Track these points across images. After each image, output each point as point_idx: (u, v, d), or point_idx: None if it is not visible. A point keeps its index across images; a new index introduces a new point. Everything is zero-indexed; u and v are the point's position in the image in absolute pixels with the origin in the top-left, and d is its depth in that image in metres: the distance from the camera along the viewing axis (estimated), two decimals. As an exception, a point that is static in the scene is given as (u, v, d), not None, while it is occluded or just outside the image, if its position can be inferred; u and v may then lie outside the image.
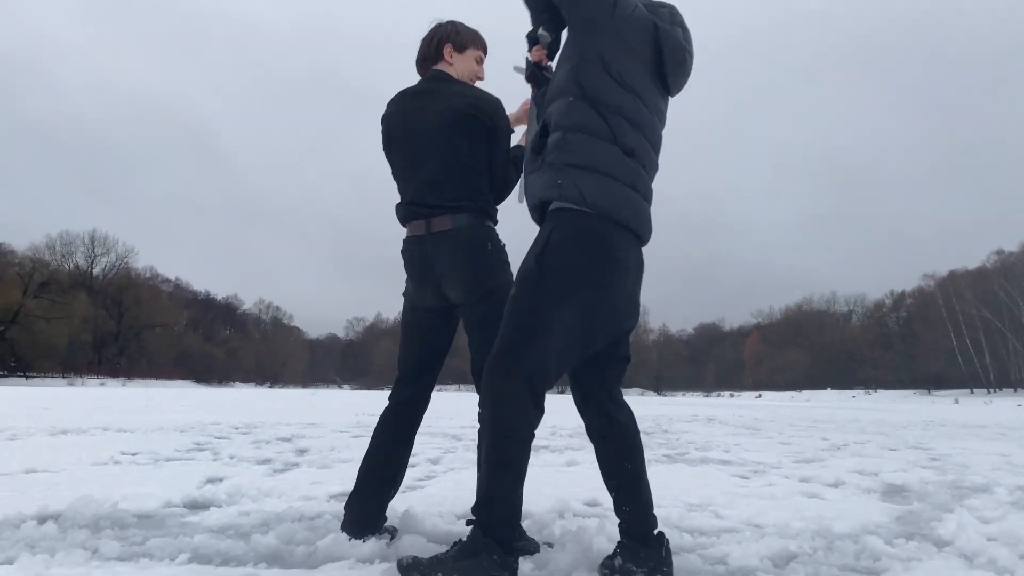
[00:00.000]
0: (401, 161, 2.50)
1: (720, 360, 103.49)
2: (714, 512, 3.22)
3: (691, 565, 2.28)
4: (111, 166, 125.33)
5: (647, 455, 5.87)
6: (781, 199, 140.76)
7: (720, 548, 2.48)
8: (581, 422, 2.25)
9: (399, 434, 2.51)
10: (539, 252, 2.00)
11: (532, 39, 2.42)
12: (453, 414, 12.14)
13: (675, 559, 2.16)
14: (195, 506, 3.14)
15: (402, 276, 2.58)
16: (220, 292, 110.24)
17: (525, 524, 2.41)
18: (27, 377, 62.58)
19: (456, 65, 2.55)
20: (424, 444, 6.17)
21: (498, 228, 2.53)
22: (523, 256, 2.10)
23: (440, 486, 3.84)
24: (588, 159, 2.01)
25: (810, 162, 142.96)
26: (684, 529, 2.78)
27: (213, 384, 77.00)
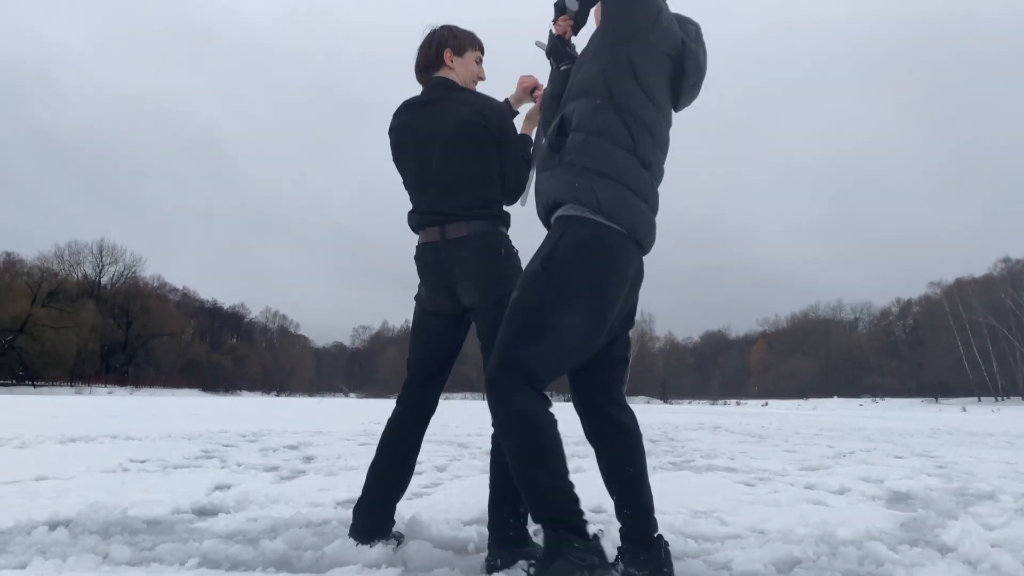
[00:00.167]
0: (412, 171, 2.53)
1: (726, 368, 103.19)
2: (718, 519, 3.23)
3: (695, 571, 2.29)
4: (119, 175, 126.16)
5: (653, 462, 5.87)
6: (786, 206, 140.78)
7: (724, 554, 2.50)
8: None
9: (407, 437, 2.54)
10: (545, 257, 2.01)
11: (560, 7, 2.42)
12: (460, 422, 12.15)
13: (679, 565, 2.18)
14: (204, 512, 3.17)
15: (410, 283, 2.62)
16: (227, 301, 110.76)
17: (530, 530, 2.43)
18: (35, 386, 62.85)
19: (457, 69, 2.57)
20: (431, 452, 6.19)
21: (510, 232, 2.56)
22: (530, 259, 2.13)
23: (446, 493, 3.86)
24: (608, 166, 2.02)
25: (816, 169, 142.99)
26: (688, 535, 2.80)
27: (220, 393, 77.22)
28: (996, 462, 6.46)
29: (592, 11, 2.44)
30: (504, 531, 2.27)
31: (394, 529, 2.53)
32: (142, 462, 5.06)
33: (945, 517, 3.41)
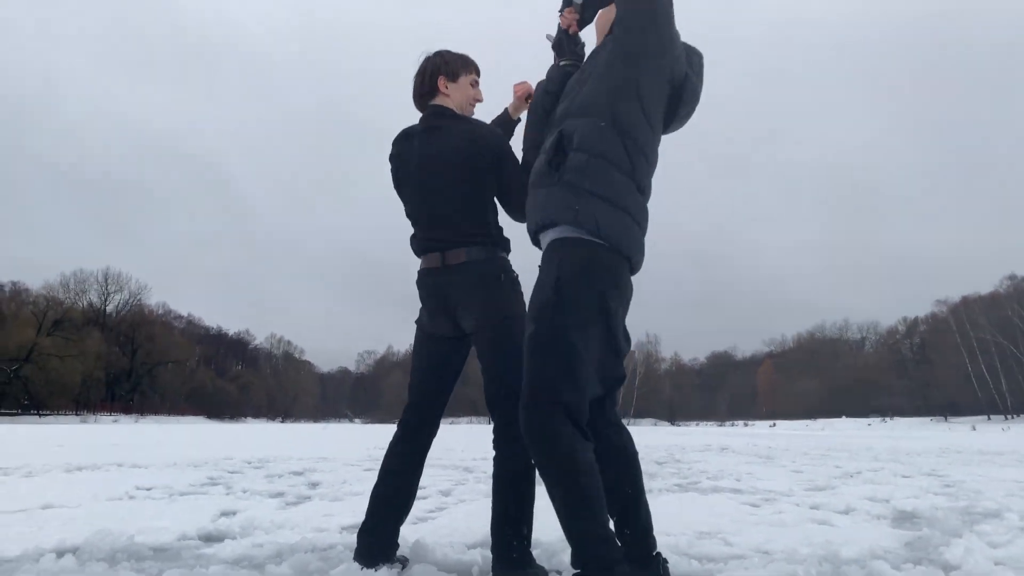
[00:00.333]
0: (412, 199, 2.59)
1: (733, 389, 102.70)
2: (723, 539, 3.23)
3: (698, 591, 2.30)
4: (124, 203, 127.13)
5: (659, 484, 5.87)
6: (790, 226, 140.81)
7: (728, 574, 2.51)
8: None
9: (409, 460, 2.56)
10: (554, 284, 2.01)
11: (566, 0, 2.42)
12: (464, 446, 12.12)
13: (682, 585, 2.18)
14: (210, 539, 3.19)
15: (414, 307, 2.66)
16: (232, 327, 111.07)
17: (535, 552, 2.44)
18: (40, 415, 62.80)
19: (452, 95, 2.62)
20: (435, 476, 6.19)
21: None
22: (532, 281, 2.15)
23: (451, 517, 3.87)
24: (608, 190, 2.05)
25: (818, 189, 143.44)
26: (693, 556, 2.81)
27: (225, 420, 77.06)
28: (1004, 480, 6.43)
29: (595, 21, 2.45)
30: (508, 553, 2.28)
31: (398, 553, 2.55)
32: (148, 489, 5.07)
33: (950, 536, 3.41)
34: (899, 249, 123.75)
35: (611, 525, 1.95)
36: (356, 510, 3.77)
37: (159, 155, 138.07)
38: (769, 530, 3.51)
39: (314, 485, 5.59)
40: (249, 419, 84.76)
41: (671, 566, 2.25)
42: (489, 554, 2.39)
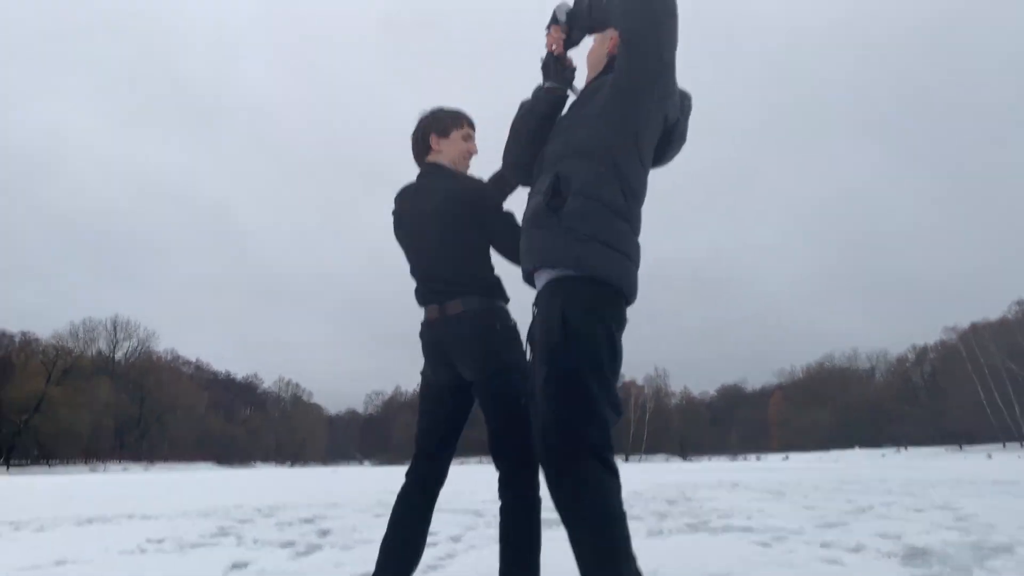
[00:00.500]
0: (409, 255, 2.74)
1: (744, 422, 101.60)
2: (732, 582, 3.24)
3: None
4: (131, 251, 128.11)
5: (669, 525, 5.85)
6: (795, 256, 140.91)
7: (735, 618, 2.52)
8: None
9: (417, 511, 2.61)
10: (562, 326, 2.02)
11: (553, 17, 2.38)
12: (474, 488, 12.04)
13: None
14: (222, 592, 3.21)
15: (420, 348, 2.73)
16: (240, 371, 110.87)
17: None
18: (50, 465, 62.64)
19: (445, 151, 2.75)
20: (445, 521, 6.17)
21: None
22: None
23: (461, 564, 3.88)
24: (607, 235, 2.08)
25: (822, 217, 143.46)
26: (701, 600, 2.82)
27: (235, 465, 76.61)
28: (1018, 512, 6.38)
29: (587, 56, 2.47)
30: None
31: (410, 603, 2.57)
32: (159, 542, 5.09)
33: (960, 572, 3.41)
34: (905, 276, 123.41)
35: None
36: (367, 559, 3.79)
37: (164, 203, 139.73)
38: (778, 570, 3.52)
39: (324, 533, 5.59)
40: (259, 463, 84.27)
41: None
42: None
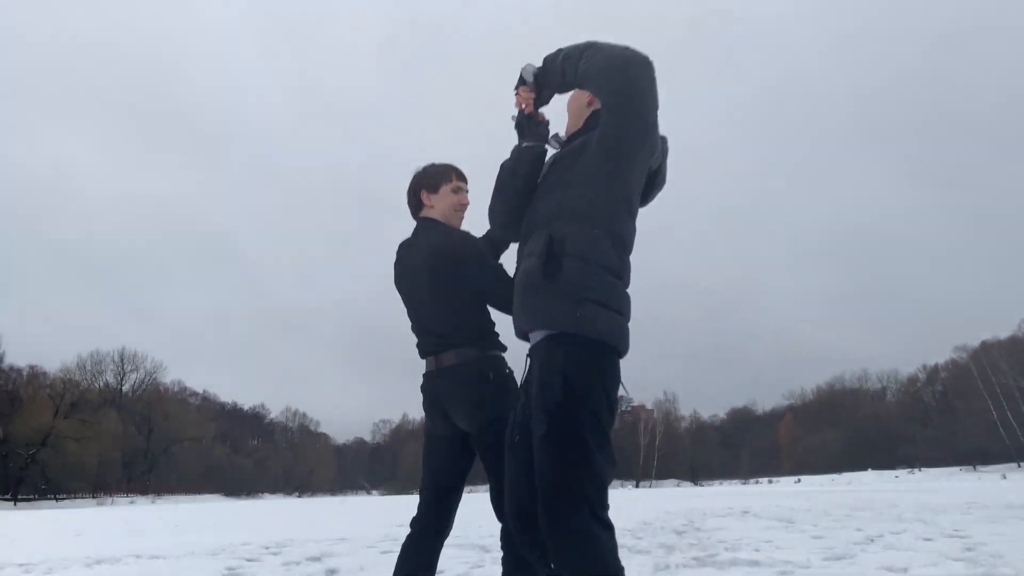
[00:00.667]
0: (407, 307, 2.83)
1: (755, 445, 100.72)
2: (736, 622, 3.25)
3: None
4: (138, 282, 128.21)
5: (676, 559, 5.85)
6: (803, 277, 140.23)
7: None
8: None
9: (422, 558, 2.66)
10: (563, 383, 2.06)
11: (521, 77, 2.36)
12: (482, 520, 11.97)
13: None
14: (230, 639, 3.24)
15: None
16: (247, 402, 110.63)
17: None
18: (57, 499, 62.48)
19: (436, 205, 2.86)
20: (451, 557, 6.16)
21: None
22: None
23: (467, 605, 3.89)
24: (603, 295, 2.13)
25: (829, 238, 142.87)
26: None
27: (242, 496, 76.29)
28: (1027, 540, 6.35)
29: (567, 106, 2.50)
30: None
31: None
32: (168, 584, 5.12)
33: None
34: (914, 295, 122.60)
35: None
36: (373, 603, 3.81)
37: (170, 234, 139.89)
38: (783, 609, 3.52)
39: (332, 572, 5.60)
40: (266, 494, 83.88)
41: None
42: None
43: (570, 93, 2.50)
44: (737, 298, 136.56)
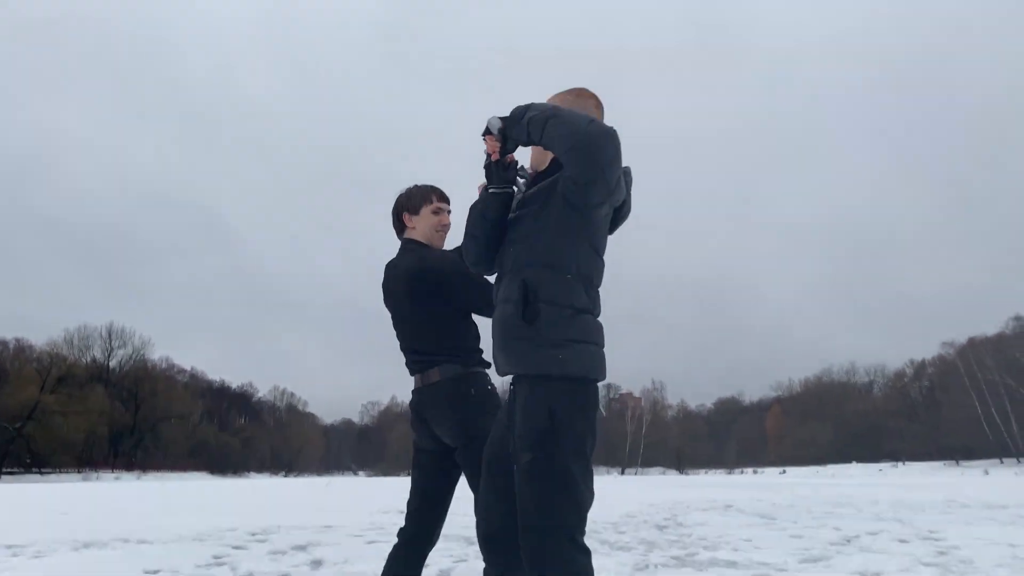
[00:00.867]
0: (393, 324, 2.89)
1: (742, 435, 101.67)
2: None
3: None
4: (127, 257, 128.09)
5: (656, 557, 5.95)
6: (792, 270, 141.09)
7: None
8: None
9: (408, 568, 2.75)
10: (548, 413, 2.12)
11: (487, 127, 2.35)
12: (466, 509, 12.10)
13: None
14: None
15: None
16: (235, 380, 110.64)
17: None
18: (42, 473, 62.49)
19: (418, 227, 2.92)
20: (435, 550, 6.24)
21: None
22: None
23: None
24: (581, 334, 2.19)
25: (818, 231, 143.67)
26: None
27: (228, 475, 76.45)
28: (999, 544, 6.49)
29: (529, 157, 2.50)
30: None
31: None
32: (155, 572, 5.19)
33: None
34: (903, 291, 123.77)
35: None
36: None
37: (159, 208, 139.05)
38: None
39: (317, 564, 5.69)
40: (253, 473, 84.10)
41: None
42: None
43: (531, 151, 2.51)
44: (727, 290, 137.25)
